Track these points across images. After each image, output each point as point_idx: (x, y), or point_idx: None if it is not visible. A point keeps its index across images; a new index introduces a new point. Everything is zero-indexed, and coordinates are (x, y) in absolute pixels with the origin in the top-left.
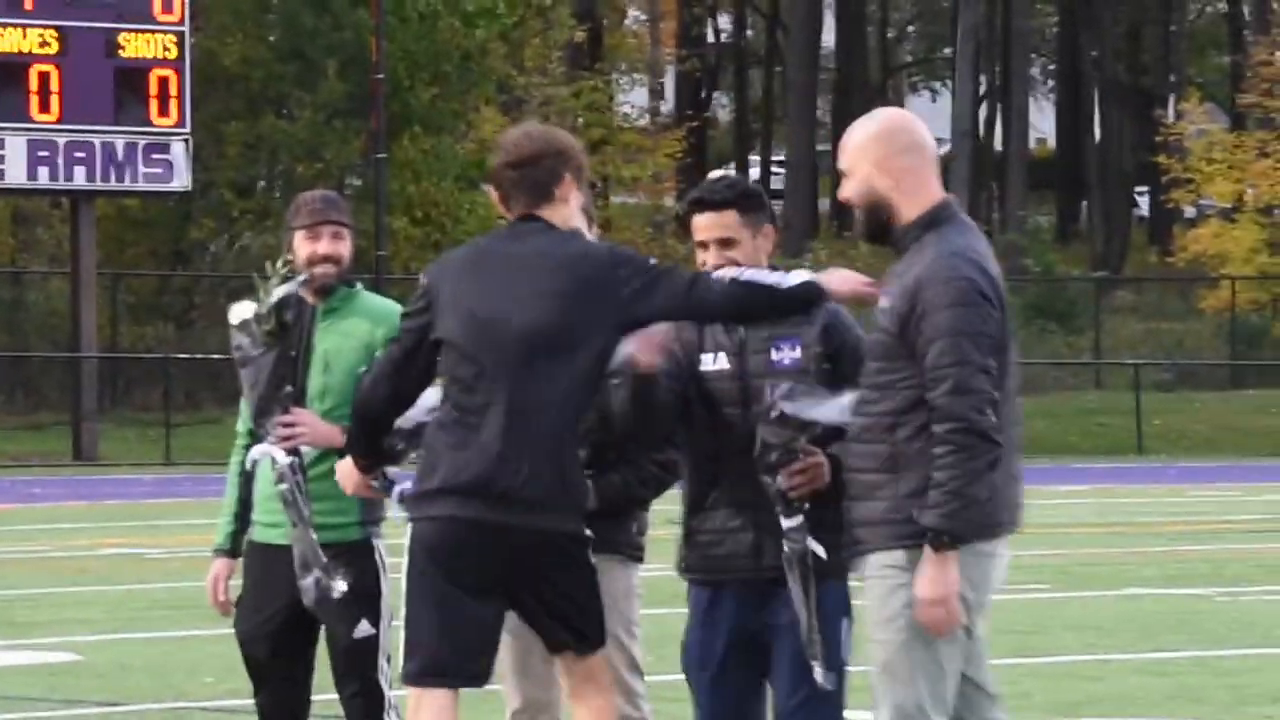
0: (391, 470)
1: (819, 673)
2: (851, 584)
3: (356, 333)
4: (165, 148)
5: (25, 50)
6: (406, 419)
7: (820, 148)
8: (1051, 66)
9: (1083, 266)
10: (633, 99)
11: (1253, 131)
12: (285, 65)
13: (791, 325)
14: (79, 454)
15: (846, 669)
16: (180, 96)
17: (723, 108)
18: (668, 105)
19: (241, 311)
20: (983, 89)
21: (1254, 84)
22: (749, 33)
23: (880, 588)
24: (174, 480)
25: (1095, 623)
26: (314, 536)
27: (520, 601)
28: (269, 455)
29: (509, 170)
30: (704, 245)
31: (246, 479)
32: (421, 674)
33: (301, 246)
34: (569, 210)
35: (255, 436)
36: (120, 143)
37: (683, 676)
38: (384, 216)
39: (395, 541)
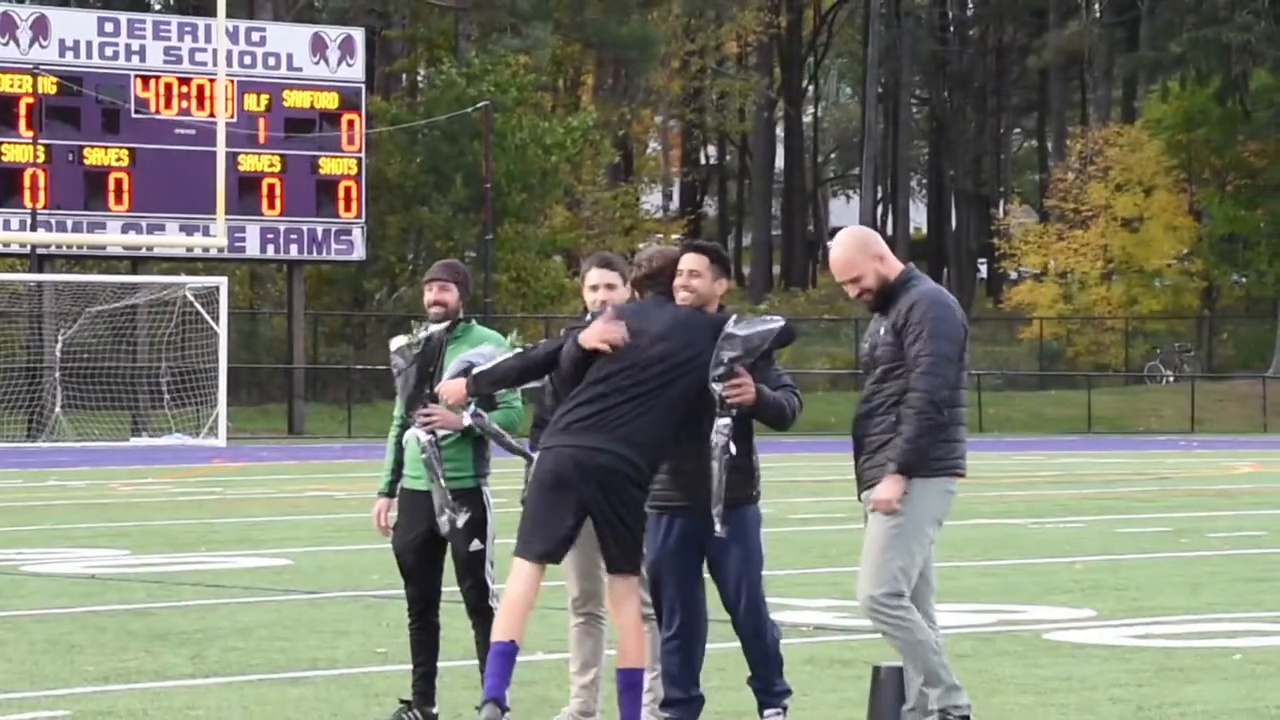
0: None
1: (720, 529)
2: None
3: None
4: (349, 232)
5: (260, 169)
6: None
7: (774, 232)
8: (924, 180)
9: None
10: (652, 200)
11: (1054, 224)
12: (427, 177)
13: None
14: (291, 429)
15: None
16: (359, 199)
17: (710, 206)
18: (674, 204)
19: (397, 342)
20: (879, 195)
21: (1054, 193)
22: (728, 157)
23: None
24: (352, 447)
25: (950, 542)
26: (445, 486)
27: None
28: (416, 435)
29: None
30: (681, 273)
31: (399, 447)
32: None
33: (425, 294)
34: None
35: (405, 421)
36: (320, 229)
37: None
38: (491, 276)
39: (497, 487)
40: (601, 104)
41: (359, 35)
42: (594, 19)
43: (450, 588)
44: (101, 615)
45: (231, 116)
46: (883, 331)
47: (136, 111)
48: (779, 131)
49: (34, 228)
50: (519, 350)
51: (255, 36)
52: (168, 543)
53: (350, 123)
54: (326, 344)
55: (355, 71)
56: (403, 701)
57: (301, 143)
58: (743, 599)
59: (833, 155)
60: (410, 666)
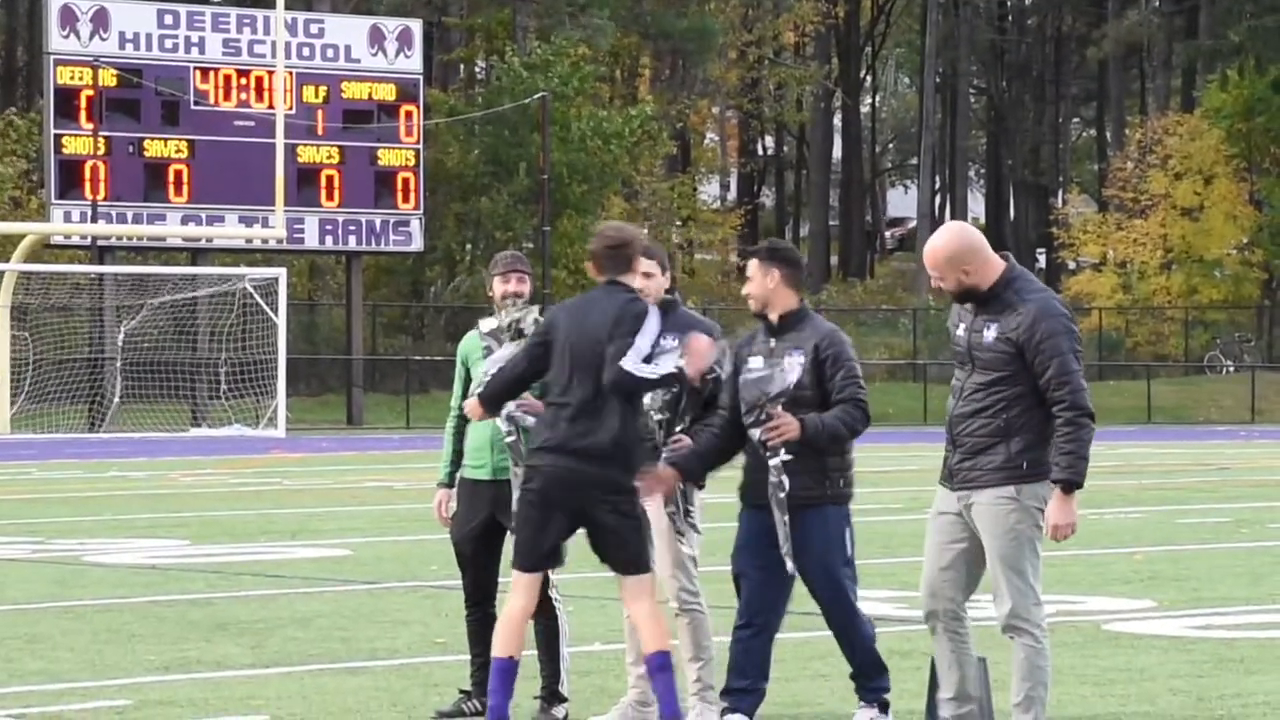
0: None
1: (790, 563)
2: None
3: None
4: (407, 224)
5: (318, 161)
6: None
7: (832, 223)
8: (982, 170)
9: None
10: (709, 190)
11: (1112, 213)
12: (487, 167)
13: (794, 340)
14: (350, 420)
15: (848, 566)
16: (417, 190)
17: (768, 197)
18: (731, 195)
19: (489, 324)
20: (936, 185)
21: (1113, 182)
22: (785, 148)
23: (997, 510)
24: (411, 438)
25: None
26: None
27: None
28: (509, 414)
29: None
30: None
31: (457, 437)
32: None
33: (498, 286)
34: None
35: (462, 410)
36: (378, 220)
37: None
38: (549, 269)
39: None
40: (659, 95)
41: (416, 27)
42: (652, 10)
43: (507, 578)
44: (162, 605)
45: (290, 108)
46: (990, 337)
47: (196, 103)
48: (836, 122)
49: (94, 219)
50: (500, 367)
51: (313, 28)
52: (227, 533)
53: (408, 114)
54: (385, 335)
55: (413, 63)
56: (462, 692)
57: (359, 134)
58: (826, 596)
59: (891, 145)
60: (468, 657)
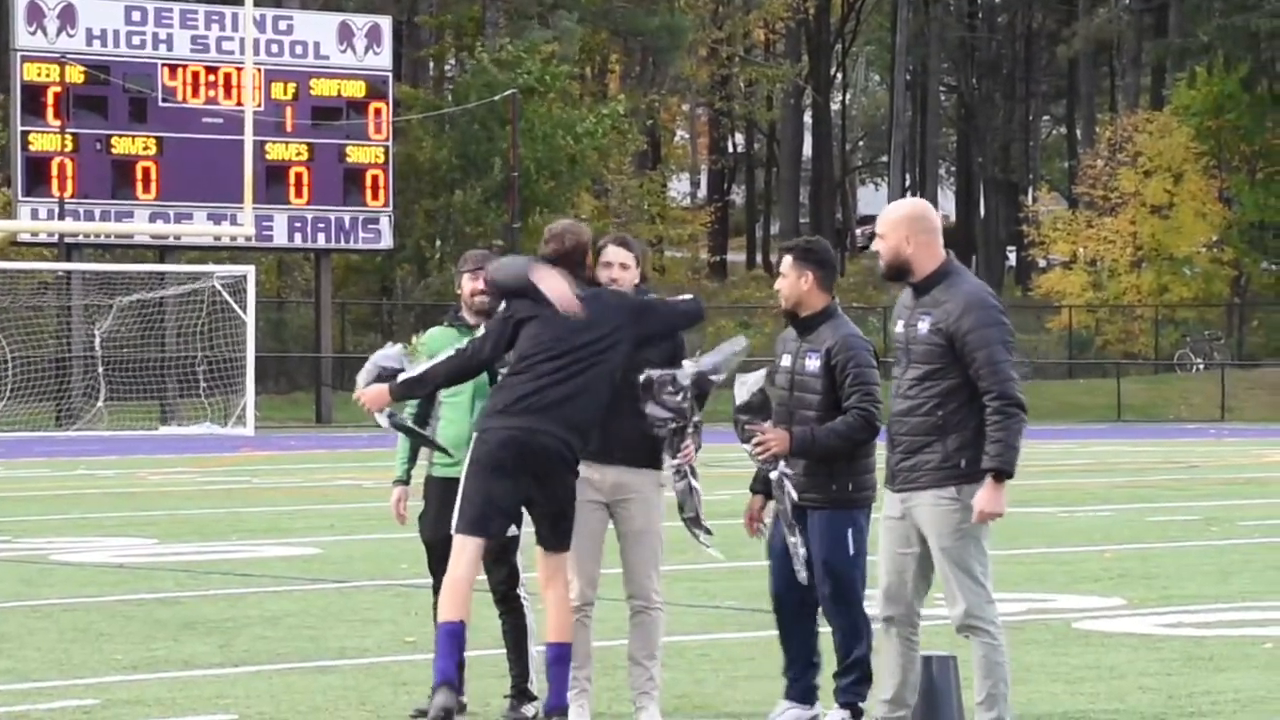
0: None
1: (803, 574)
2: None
3: None
4: (376, 220)
5: (287, 158)
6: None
7: (802, 220)
8: (953, 168)
9: None
10: (679, 188)
11: (1083, 211)
12: (457, 161)
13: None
14: (319, 418)
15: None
16: (386, 187)
17: (738, 194)
18: (701, 192)
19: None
20: (907, 182)
21: (1083, 180)
22: (755, 146)
23: (938, 512)
24: (380, 437)
25: None
26: None
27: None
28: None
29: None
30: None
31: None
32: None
33: (467, 283)
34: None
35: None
36: (347, 217)
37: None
38: None
39: None
40: (629, 92)
41: (386, 24)
42: (622, 7)
43: (479, 577)
44: (130, 604)
45: (259, 105)
46: (924, 329)
47: (164, 100)
48: (807, 119)
49: (62, 217)
50: (456, 349)
51: (282, 25)
52: (196, 532)
53: (377, 111)
54: (354, 333)
55: (382, 60)
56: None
57: (328, 131)
58: (825, 593)
59: (861, 143)
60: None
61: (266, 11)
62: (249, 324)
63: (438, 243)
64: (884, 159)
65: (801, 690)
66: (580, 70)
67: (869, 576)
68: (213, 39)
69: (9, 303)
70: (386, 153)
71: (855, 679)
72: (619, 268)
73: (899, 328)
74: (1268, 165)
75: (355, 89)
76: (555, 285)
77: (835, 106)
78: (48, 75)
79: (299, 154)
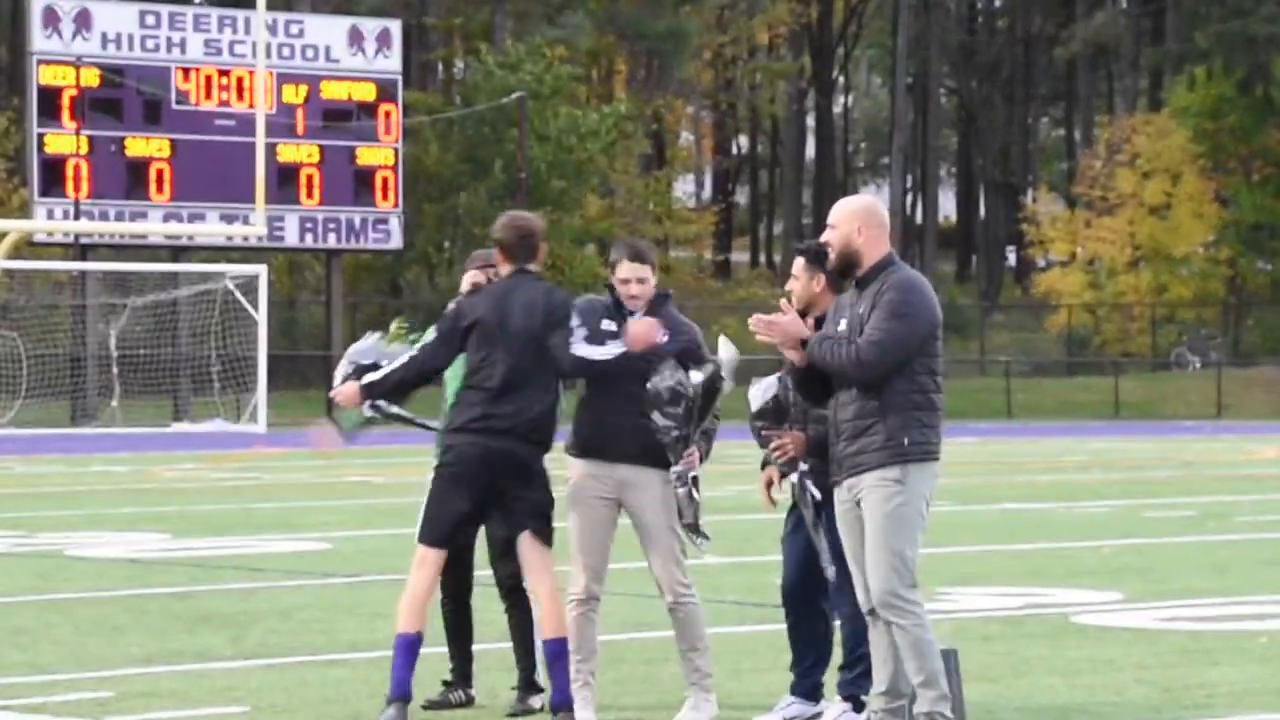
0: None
1: (830, 571)
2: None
3: None
4: (386, 221)
5: (298, 159)
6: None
7: (805, 221)
8: (953, 169)
9: (973, 297)
10: (684, 188)
11: (1081, 211)
12: (465, 164)
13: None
14: (330, 416)
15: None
16: (396, 189)
17: (742, 195)
18: (706, 193)
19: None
20: (908, 183)
21: (1082, 181)
22: (759, 147)
23: (881, 493)
24: (391, 433)
25: (980, 526)
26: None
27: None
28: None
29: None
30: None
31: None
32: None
33: (475, 276)
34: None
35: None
36: (357, 218)
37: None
38: None
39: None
40: (634, 95)
41: (395, 27)
42: (627, 11)
43: (483, 571)
44: (144, 598)
45: (270, 108)
46: (865, 313)
47: (177, 103)
48: (810, 121)
49: (77, 217)
50: (409, 354)
51: (294, 29)
52: (209, 527)
53: (387, 113)
54: (364, 331)
55: (392, 63)
56: (444, 683)
57: (339, 133)
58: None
59: (863, 145)
60: (446, 649)
61: (278, 15)
62: (261, 323)
63: (446, 244)
64: (885, 160)
65: (808, 687)
66: (586, 73)
67: None
68: (225, 42)
69: (25, 302)
70: (396, 154)
71: (860, 673)
72: (636, 284)
73: (842, 325)
74: (1265, 165)
75: (365, 92)
76: (642, 336)
77: (838, 109)
78: (63, 78)
79: (310, 156)
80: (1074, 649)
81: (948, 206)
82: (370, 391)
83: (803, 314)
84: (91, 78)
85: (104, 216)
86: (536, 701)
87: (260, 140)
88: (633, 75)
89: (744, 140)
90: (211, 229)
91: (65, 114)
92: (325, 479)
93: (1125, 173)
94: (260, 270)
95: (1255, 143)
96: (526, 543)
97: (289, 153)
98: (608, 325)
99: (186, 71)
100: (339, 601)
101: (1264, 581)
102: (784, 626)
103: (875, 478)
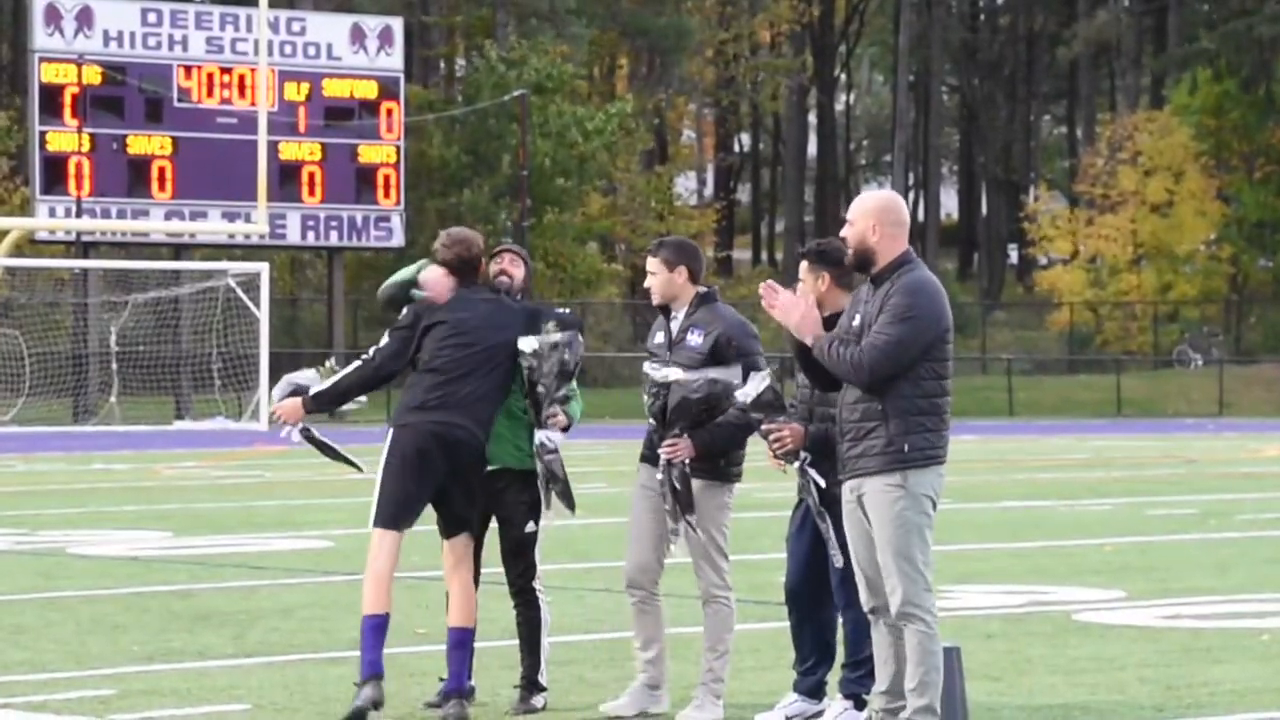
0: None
1: (838, 559)
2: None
3: None
4: (387, 219)
5: (300, 157)
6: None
7: (807, 219)
8: (955, 167)
9: (974, 295)
10: (686, 185)
11: (1083, 209)
12: (467, 159)
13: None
14: (332, 414)
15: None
16: (398, 186)
17: (744, 192)
18: (708, 190)
19: (530, 344)
20: (910, 181)
21: (1084, 179)
22: (761, 145)
23: (884, 498)
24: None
25: (982, 524)
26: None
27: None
28: (544, 433)
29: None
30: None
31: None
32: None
33: (492, 265)
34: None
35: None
36: (359, 216)
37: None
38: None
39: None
40: (637, 92)
41: (397, 25)
42: (630, 8)
43: (492, 569)
44: (145, 596)
45: (272, 105)
46: (874, 313)
47: (179, 101)
48: (811, 119)
49: (78, 215)
50: (363, 360)
51: (295, 26)
52: (210, 525)
53: (389, 111)
54: (366, 329)
55: (394, 61)
56: (443, 680)
57: (341, 131)
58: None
59: (865, 142)
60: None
61: (280, 13)
62: (262, 320)
63: None
64: (887, 158)
65: (810, 685)
66: (588, 70)
67: None
68: (227, 40)
69: (27, 299)
70: (398, 152)
71: (864, 674)
72: (649, 277)
73: (855, 321)
74: (1266, 164)
75: (367, 89)
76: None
77: (839, 106)
78: (65, 76)
79: (312, 153)
80: (1076, 647)
81: (949, 204)
82: (317, 403)
83: None
84: (93, 75)
85: (106, 214)
86: (539, 701)
87: (262, 138)
88: (634, 72)
89: (746, 138)
90: (213, 227)
91: (67, 112)
92: (326, 477)
93: (1127, 170)
94: (262, 268)
95: (1257, 140)
96: (463, 541)
97: (291, 150)
98: (660, 338)
99: (188, 69)
100: (340, 599)
101: (1266, 580)
102: (786, 624)
103: (879, 483)
